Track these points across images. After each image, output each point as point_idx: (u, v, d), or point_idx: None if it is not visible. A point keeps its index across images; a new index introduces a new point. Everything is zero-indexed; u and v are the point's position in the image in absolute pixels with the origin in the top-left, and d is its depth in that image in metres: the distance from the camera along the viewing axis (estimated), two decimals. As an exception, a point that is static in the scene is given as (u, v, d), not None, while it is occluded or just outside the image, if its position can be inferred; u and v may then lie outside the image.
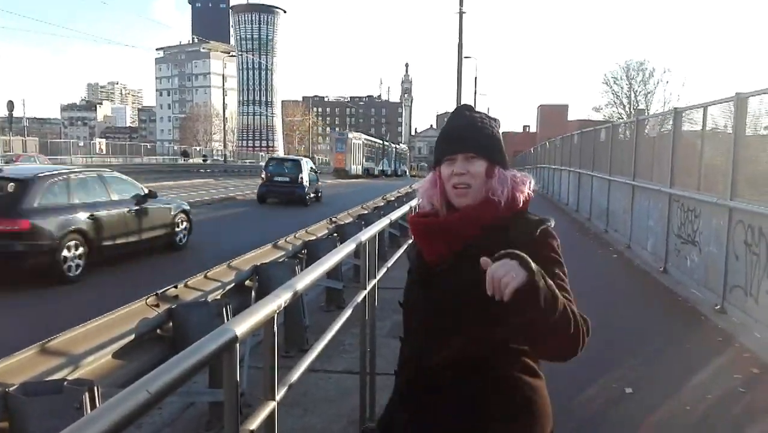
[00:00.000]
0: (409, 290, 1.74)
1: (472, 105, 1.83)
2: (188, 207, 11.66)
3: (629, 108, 57.57)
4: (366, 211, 10.89)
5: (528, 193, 1.66)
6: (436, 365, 1.59)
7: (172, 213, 10.92)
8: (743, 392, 4.57)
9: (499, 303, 1.32)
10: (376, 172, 57.64)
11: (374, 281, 3.84)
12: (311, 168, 22.23)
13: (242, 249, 6.28)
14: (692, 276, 7.77)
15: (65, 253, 8.11)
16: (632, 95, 58.91)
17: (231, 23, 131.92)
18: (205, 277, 4.75)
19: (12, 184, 8.13)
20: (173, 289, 4.24)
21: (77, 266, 8.34)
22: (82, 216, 8.55)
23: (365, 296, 3.64)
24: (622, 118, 49.74)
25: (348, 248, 3.33)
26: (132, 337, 3.65)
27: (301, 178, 20.41)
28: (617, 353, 5.28)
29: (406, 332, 1.74)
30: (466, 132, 1.66)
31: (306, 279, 2.53)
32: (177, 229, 10.95)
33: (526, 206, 1.67)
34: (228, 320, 4.07)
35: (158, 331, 4.00)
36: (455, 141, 1.66)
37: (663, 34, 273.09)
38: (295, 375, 2.73)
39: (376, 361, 4.01)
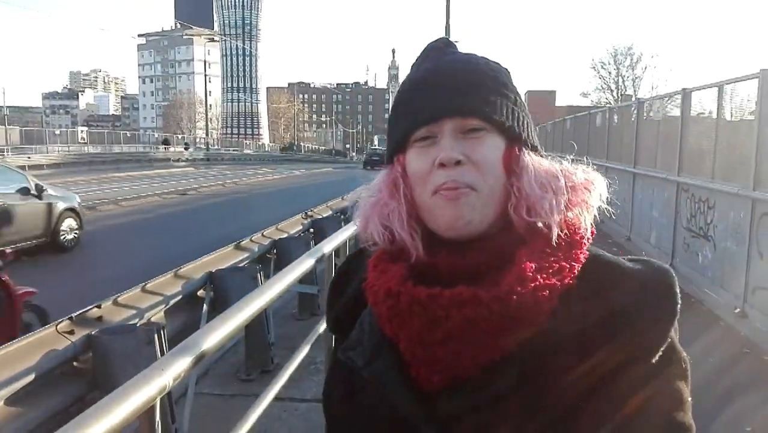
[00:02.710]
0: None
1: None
2: None
3: (617, 93, 57.25)
4: (347, 203, 10.06)
5: (598, 210, 0.79)
6: None
7: None
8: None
9: None
10: None
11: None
12: None
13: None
14: (705, 274, 7.05)
15: None
16: (620, 80, 58.55)
17: (214, 8, 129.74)
18: (143, 290, 3.93)
19: None
20: (96, 309, 3.42)
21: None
22: None
23: (331, 322, 2.86)
24: (610, 104, 49.24)
25: (305, 264, 2.54)
26: (32, 377, 2.84)
27: None
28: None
29: None
30: (456, 77, 0.78)
31: (249, 307, 1.74)
32: None
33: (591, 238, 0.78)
34: (162, 348, 3.28)
35: (74, 364, 3.20)
36: (437, 96, 0.77)
37: (651, 18, 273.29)
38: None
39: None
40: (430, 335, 0.72)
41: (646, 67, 56.63)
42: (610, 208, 0.80)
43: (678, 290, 0.74)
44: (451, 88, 0.77)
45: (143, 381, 1.26)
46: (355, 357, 0.80)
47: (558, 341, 0.70)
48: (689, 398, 0.74)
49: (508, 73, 0.83)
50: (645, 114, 10.37)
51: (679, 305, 0.73)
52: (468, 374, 0.72)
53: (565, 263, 0.73)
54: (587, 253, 0.76)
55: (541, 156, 0.80)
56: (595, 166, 0.81)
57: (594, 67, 58.91)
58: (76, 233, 10.44)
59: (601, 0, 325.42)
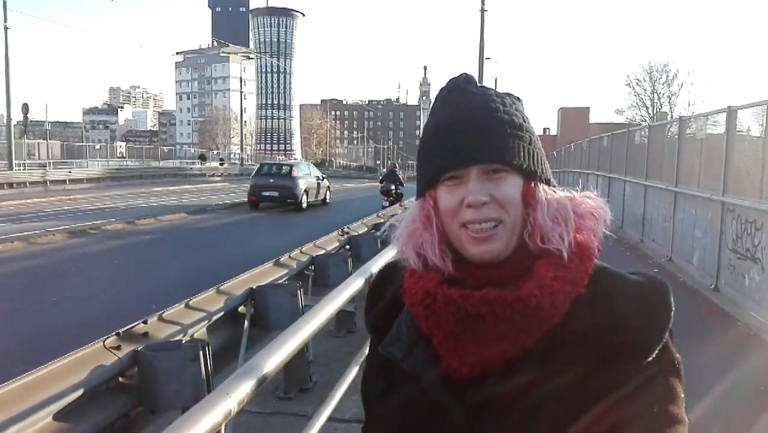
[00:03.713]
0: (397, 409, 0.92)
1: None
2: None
3: (653, 110, 56.43)
4: (382, 220, 10.06)
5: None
6: None
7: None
8: None
9: None
10: None
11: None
12: None
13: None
14: (752, 297, 6.84)
15: None
16: (655, 97, 57.70)
17: (250, 27, 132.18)
18: (186, 306, 3.95)
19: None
20: (142, 324, 3.45)
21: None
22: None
23: (377, 343, 2.84)
24: (645, 121, 48.57)
25: (355, 284, 2.51)
26: (80, 392, 2.87)
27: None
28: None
29: None
30: (479, 125, 0.89)
31: (287, 344, 1.72)
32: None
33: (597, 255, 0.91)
34: (207, 364, 3.28)
35: (120, 379, 3.22)
36: (463, 143, 0.88)
37: (686, 35, 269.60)
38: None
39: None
40: (462, 331, 0.85)
41: (682, 84, 55.69)
42: (613, 235, 0.95)
43: (671, 300, 0.84)
44: (475, 137, 0.88)
45: (209, 406, 1.24)
46: (394, 351, 0.92)
47: (571, 339, 0.82)
48: (682, 394, 0.84)
49: (521, 104, 0.94)
50: (687, 132, 10.18)
51: (672, 312, 0.83)
52: (494, 367, 0.83)
53: (576, 274, 0.85)
54: (595, 266, 0.88)
55: (554, 188, 0.92)
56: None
57: (629, 84, 58.36)
58: (329, 198, 23.72)
59: (635, 16, 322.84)
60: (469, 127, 0.88)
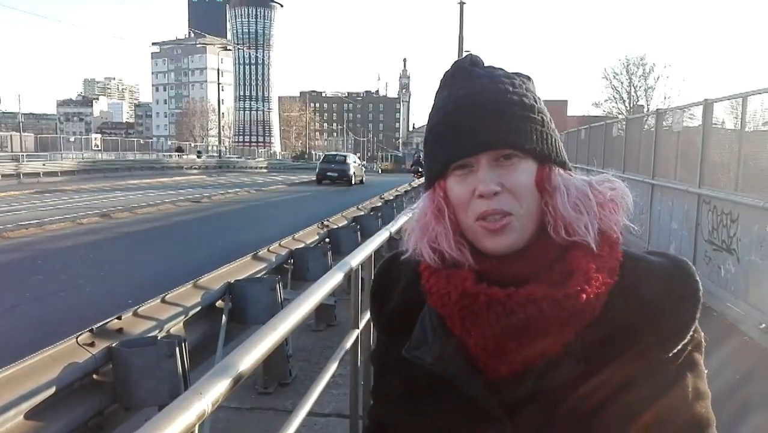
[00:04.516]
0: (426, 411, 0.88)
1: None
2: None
3: (629, 103, 56.83)
4: (362, 213, 10.01)
5: (622, 224, 0.87)
6: None
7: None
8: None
9: None
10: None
11: (368, 317, 2.99)
12: None
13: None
14: (728, 288, 6.92)
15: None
16: (632, 91, 58.07)
17: (228, 17, 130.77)
18: (163, 301, 3.87)
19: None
20: (116, 321, 3.37)
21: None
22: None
23: (358, 337, 2.79)
24: (622, 114, 49.03)
25: (335, 278, 2.46)
26: (53, 390, 2.80)
27: None
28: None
29: None
30: (488, 109, 0.84)
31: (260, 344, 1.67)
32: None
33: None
34: (184, 361, 3.23)
35: (94, 376, 3.15)
36: (471, 129, 0.83)
37: (663, 29, 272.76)
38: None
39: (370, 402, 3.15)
40: (505, 330, 0.80)
41: (658, 78, 56.09)
42: (634, 226, 0.88)
43: (698, 279, 0.83)
44: (485, 122, 0.83)
45: (182, 407, 1.18)
46: (422, 355, 0.86)
47: (607, 330, 0.80)
48: (705, 369, 0.85)
49: (532, 83, 0.89)
50: (664, 125, 10.27)
51: (701, 292, 0.82)
52: (533, 364, 0.81)
53: (610, 264, 0.83)
54: (621, 251, 0.86)
55: (570, 171, 0.87)
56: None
57: (606, 77, 58.53)
58: (364, 180, 34.35)
59: (613, 10, 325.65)
60: (476, 112, 0.84)
